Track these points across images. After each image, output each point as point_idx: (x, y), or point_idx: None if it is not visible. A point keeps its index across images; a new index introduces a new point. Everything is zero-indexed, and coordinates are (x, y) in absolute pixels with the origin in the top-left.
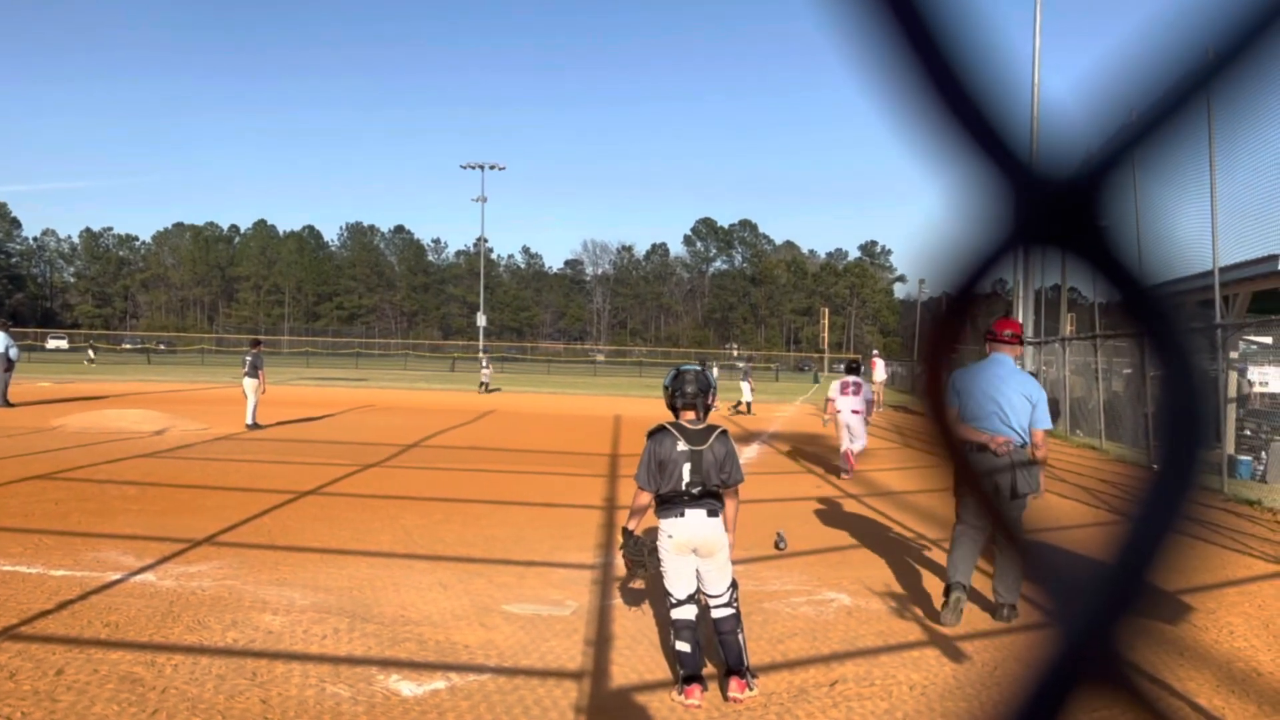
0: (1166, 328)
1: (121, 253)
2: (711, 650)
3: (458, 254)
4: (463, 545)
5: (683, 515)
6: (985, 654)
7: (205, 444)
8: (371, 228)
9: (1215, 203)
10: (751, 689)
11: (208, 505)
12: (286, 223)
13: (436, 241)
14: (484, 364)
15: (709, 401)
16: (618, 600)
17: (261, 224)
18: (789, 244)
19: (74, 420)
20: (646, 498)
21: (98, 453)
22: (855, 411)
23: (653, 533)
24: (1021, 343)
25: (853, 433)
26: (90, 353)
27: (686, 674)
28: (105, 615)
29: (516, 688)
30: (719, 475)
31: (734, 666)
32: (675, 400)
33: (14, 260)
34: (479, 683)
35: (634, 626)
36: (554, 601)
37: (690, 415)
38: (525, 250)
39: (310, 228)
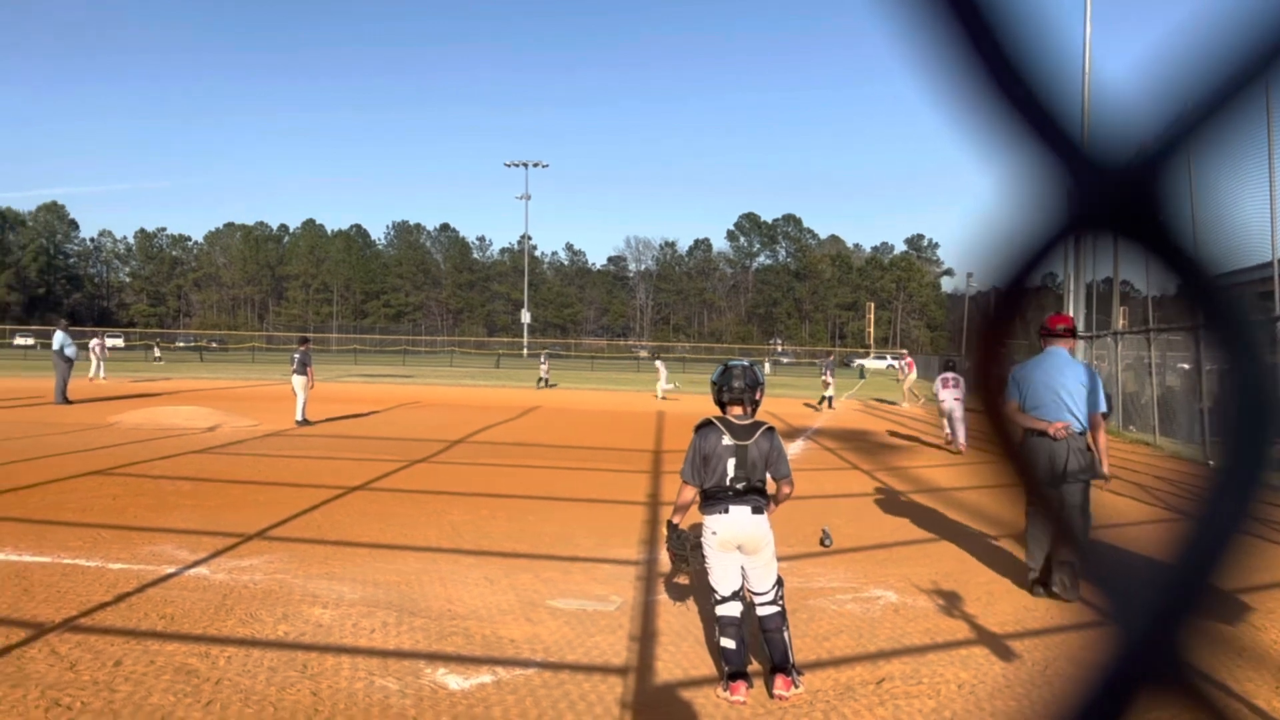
0: (1229, 320)
1: (174, 252)
2: (757, 647)
3: (502, 251)
4: (509, 540)
5: (727, 512)
6: (1036, 653)
7: (256, 440)
8: (418, 226)
9: (1275, 191)
10: (797, 686)
11: (259, 500)
12: (334, 221)
13: (481, 239)
14: (543, 360)
15: (756, 397)
16: (662, 596)
17: (310, 223)
18: (834, 238)
19: (129, 417)
20: (691, 492)
21: (153, 449)
22: (956, 399)
23: (698, 528)
24: (1075, 336)
25: (954, 419)
26: (156, 350)
27: (732, 670)
28: (161, 608)
29: (562, 682)
30: (764, 471)
31: (779, 664)
32: (723, 395)
33: (72, 261)
34: (525, 677)
35: (679, 622)
36: (599, 597)
37: (737, 410)
38: (569, 247)
39: (357, 226)
